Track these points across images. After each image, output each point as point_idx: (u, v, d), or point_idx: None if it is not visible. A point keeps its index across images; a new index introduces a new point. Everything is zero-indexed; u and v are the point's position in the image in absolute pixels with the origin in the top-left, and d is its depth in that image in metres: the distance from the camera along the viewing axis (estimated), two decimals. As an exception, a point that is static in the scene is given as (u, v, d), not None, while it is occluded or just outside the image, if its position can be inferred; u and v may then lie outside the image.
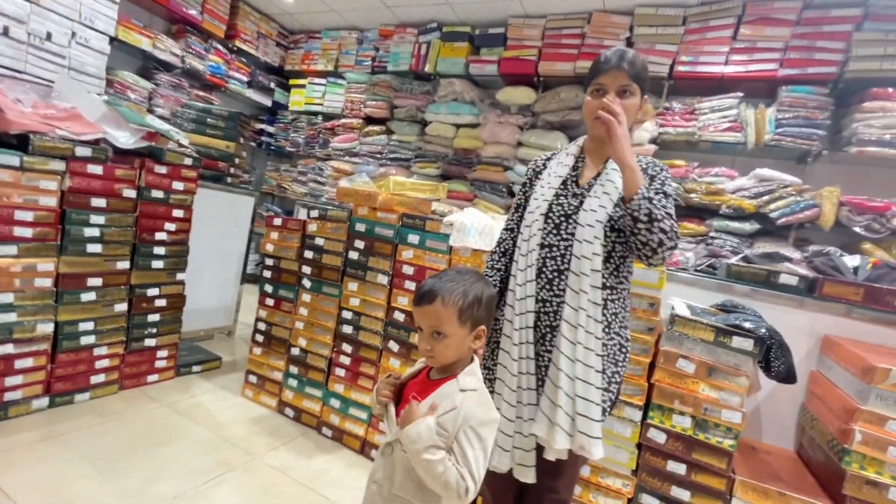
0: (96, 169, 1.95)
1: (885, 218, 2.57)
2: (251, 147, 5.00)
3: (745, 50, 2.97)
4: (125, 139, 2.05)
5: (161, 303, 2.34)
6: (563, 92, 3.56)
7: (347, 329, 2.18)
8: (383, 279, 2.09)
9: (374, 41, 4.46)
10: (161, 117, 3.18)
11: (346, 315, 2.18)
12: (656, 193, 1.13)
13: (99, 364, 2.12)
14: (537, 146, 3.58)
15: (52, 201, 1.83)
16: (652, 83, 3.21)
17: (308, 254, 2.29)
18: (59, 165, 1.83)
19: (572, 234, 1.15)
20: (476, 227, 1.85)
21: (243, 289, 3.42)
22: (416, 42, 4.14)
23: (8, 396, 1.84)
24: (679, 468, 1.51)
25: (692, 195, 3.02)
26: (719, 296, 1.91)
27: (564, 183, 1.22)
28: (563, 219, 1.17)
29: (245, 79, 4.63)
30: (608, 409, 1.16)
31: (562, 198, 1.20)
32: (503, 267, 1.31)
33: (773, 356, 1.44)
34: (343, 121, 4.54)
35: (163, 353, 2.40)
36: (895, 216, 2.54)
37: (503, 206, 3.64)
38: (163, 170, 2.21)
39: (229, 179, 3.04)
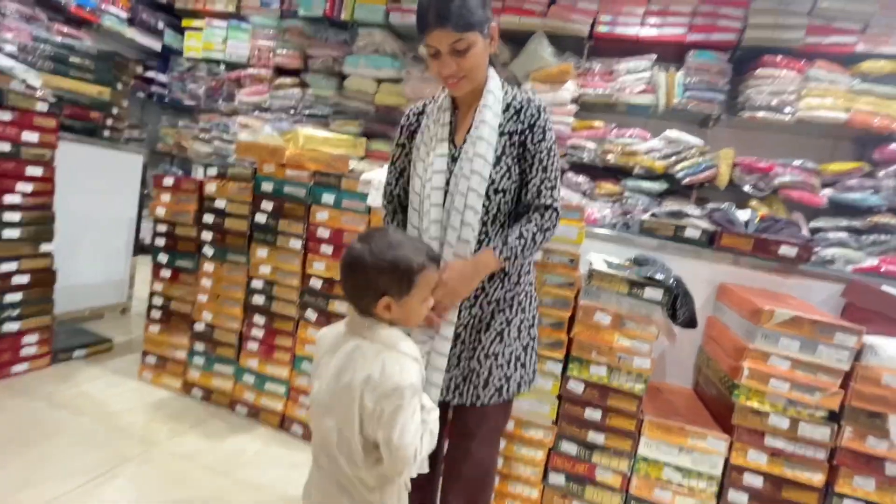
0: None
1: (768, 177, 2.85)
2: (140, 99, 4.34)
3: (659, 13, 3.05)
4: (-55, 75, 1.61)
5: (22, 280, 1.96)
6: (488, 48, 3.45)
7: (259, 299, 1.99)
8: (296, 244, 1.91)
9: (282, -20, 3.97)
10: (9, 55, 2.59)
11: (257, 284, 1.99)
12: (525, 229, 1.08)
13: (-59, 356, 1.75)
14: (462, 104, 3.46)
15: None
16: (573, 42, 3.26)
17: (208, 218, 2.02)
18: None
19: (452, 202, 1.08)
20: (396, 184, 1.72)
21: (138, 260, 3.02)
22: (331, -16, 3.74)
23: None
24: (595, 414, 1.58)
25: (609, 156, 3.12)
26: (633, 251, 1.99)
27: (453, 144, 1.12)
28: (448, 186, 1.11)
29: (124, 15, 3.93)
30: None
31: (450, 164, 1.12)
32: (400, 222, 1.25)
33: (678, 304, 1.53)
34: (250, 71, 4.06)
35: (31, 339, 2.04)
36: (777, 176, 2.82)
37: (428, 167, 3.53)
38: (6, 116, 1.79)
39: (108, 133, 2.59)
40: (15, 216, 1.89)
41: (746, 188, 2.89)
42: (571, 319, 1.61)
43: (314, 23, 3.88)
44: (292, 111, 3.92)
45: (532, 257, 1.19)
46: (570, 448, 1.61)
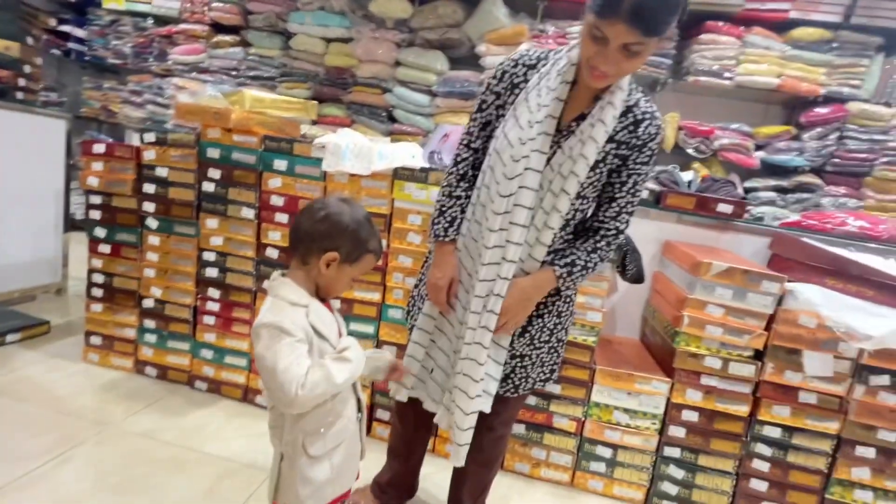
0: None
1: (709, 140, 3.02)
2: (55, 57, 3.88)
3: (611, -26, 3.05)
4: None
5: (-64, 260, 1.77)
6: (441, 7, 3.33)
7: (212, 272, 1.91)
8: (249, 213, 1.83)
9: (213, -77, 3.60)
10: None
11: (209, 257, 1.90)
12: (593, 250, 1.05)
13: None
14: (416, 66, 3.38)
15: None
16: (527, 3, 3.21)
17: (149, 188, 1.89)
18: None
19: (540, 200, 1.01)
20: (352, 149, 1.68)
21: (70, 237, 2.79)
22: (269, -70, 3.45)
23: None
24: (552, 367, 1.68)
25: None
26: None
27: (556, 125, 0.98)
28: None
29: (27, -42, 3.43)
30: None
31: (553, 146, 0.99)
32: (464, 194, 1.12)
33: (627, 261, 1.63)
34: (183, 27, 3.71)
35: (-46, 324, 1.87)
36: (716, 139, 2.99)
37: (383, 131, 3.44)
38: None
39: (20, 95, 2.32)
40: (-82, 189, 1.68)
41: (690, 150, 3.05)
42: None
43: (253, -26, 3.58)
44: (234, 72, 3.67)
45: None
46: (529, 400, 1.71)
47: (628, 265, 1.63)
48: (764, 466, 1.59)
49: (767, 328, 1.55)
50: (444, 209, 1.13)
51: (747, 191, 2.91)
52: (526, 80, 1.02)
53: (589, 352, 1.66)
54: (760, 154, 2.97)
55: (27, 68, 2.30)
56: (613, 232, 1.05)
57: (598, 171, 0.99)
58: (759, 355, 1.57)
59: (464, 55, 3.41)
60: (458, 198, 1.13)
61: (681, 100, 3.20)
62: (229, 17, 3.61)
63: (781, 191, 2.90)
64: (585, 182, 0.99)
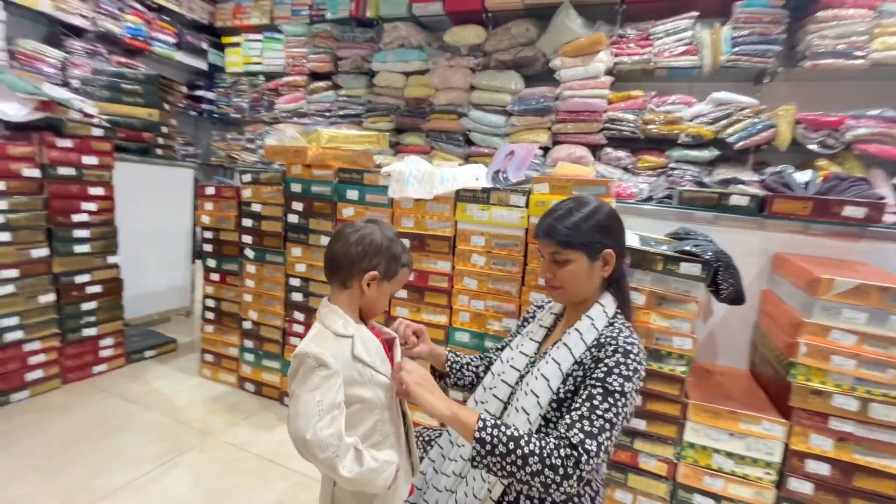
0: (-17, 148, 1.73)
1: (838, 132, 2.53)
2: (192, 117, 4.66)
3: (698, -36, 2.79)
4: (15, 112, 1.82)
5: (95, 289, 2.18)
6: (514, 27, 3.34)
7: (297, 297, 2.08)
8: (326, 241, 1.97)
9: (309, -14, 4.08)
10: (69, 88, 2.86)
11: (294, 282, 2.07)
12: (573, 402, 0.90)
13: (33, 360, 1.99)
14: (491, 88, 3.40)
15: (-65, 188, 1.63)
16: (604, 10, 3.07)
17: (246, 222, 2.14)
18: (-64, 146, 1.62)
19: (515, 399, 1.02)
20: (415, 174, 1.72)
21: (197, 266, 3.27)
22: (353, -16, 3.80)
23: (-70, 403, 1.71)
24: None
25: (650, 126, 2.93)
26: (676, 225, 1.86)
27: (540, 346, 1.09)
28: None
29: (172, 40, 4.22)
30: None
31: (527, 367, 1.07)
32: (474, 370, 1.23)
33: (720, 279, 1.41)
34: (286, 79, 4.22)
35: (107, 342, 2.27)
36: (848, 129, 2.50)
37: (461, 155, 3.50)
38: (67, 143, 1.99)
39: (159, 151, 2.80)
40: (84, 233, 2.10)
41: (813, 146, 2.58)
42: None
43: (341, 24, 3.96)
44: (327, 113, 4.04)
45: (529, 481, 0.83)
46: (609, 435, 1.53)
47: (721, 284, 1.41)
48: (935, 544, 1.22)
49: (925, 361, 1.21)
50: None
51: (897, 188, 2.37)
52: (534, 317, 1.20)
53: (678, 384, 1.45)
54: (913, 143, 2.41)
55: (165, 129, 2.78)
56: (564, 443, 0.83)
57: (559, 393, 0.96)
58: (914, 396, 1.23)
59: (538, 71, 3.35)
60: (470, 364, 1.23)
61: (796, 89, 2.76)
62: (322, 65, 4.01)
63: (949, 186, 2.31)
64: (543, 402, 0.96)
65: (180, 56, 4.31)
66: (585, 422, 0.85)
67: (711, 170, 2.74)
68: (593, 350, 0.95)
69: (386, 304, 1.02)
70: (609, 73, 3.06)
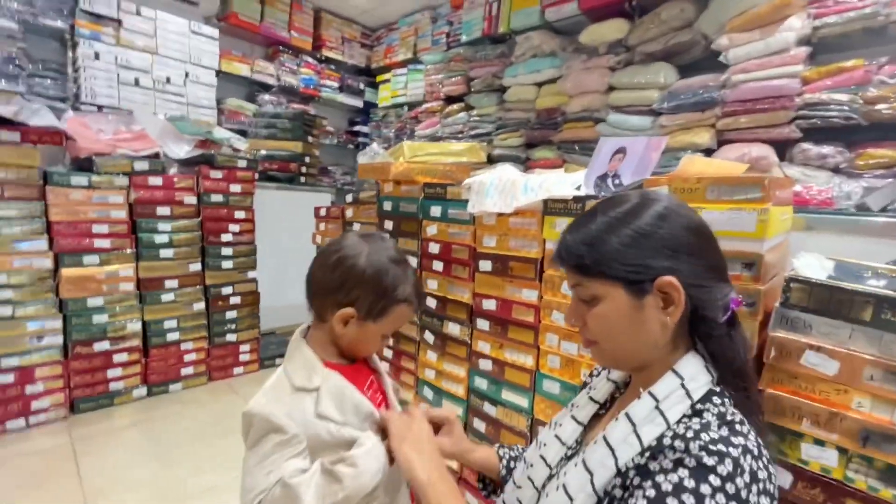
0: (156, 180, 2.13)
1: None
2: (350, 150, 5.24)
3: None
4: (179, 150, 2.20)
5: (236, 300, 2.49)
6: (665, 10, 2.77)
7: (388, 320, 1.98)
8: (413, 261, 1.83)
9: (447, 15, 4.21)
10: (243, 131, 3.42)
11: (386, 304, 1.98)
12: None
13: (187, 358, 2.34)
14: (633, 86, 2.89)
15: (121, 213, 2.06)
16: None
17: (349, 242, 2.17)
18: (123, 181, 2.04)
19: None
20: (496, 185, 1.45)
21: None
22: (487, 3, 3.75)
23: (112, 387, 2.13)
24: (820, 533, 0.90)
25: (879, 107, 2.03)
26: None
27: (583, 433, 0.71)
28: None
29: (335, 84, 4.83)
30: None
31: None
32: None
33: None
34: (424, 106, 4.39)
35: (245, 348, 2.56)
36: None
37: (596, 167, 3.03)
38: (218, 174, 2.34)
39: (303, 179, 3.14)
40: (228, 251, 2.43)
41: None
42: (756, 365, 0.98)
43: (475, 45, 3.93)
44: (460, 135, 4.03)
45: None
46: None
47: None
48: None
49: None
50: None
51: None
52: (593, 377, 0.82)
53: (915, 528, 0.81)
54: None
55: (307, 159, 3.11)
56: None
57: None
58: None
59: (696, 58, 2.71)
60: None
61: None
62: (456, 87, 4.04)
63: None
64: None
65: (342, 97, 4.91)
66: None
67: None
68: (647, 455, 0.54)
69: (377, 346, 0.78)
70: (804, 42, 2.25)
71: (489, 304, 1.55)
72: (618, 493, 0.54)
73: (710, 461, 0.48)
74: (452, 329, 1.69)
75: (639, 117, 2.84)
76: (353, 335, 0.74)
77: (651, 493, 0.49)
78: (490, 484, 0.88)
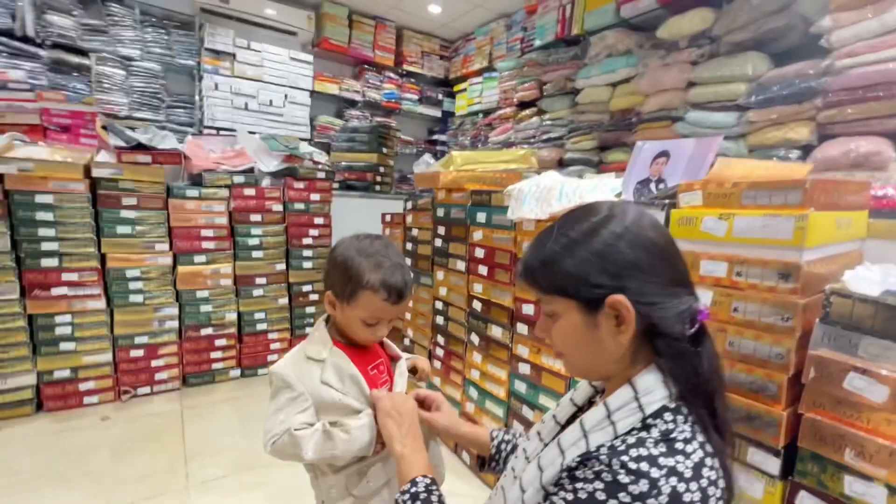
0: (250, 191, 2.48)
1: None
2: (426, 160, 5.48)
3: None
4: (269, 164, 2.54)
5: (314, 297, 2.77)
6: (756, -6, 2.52)
7: (440, 320, 2.08)
8: (461, 265, 1.90)
9: (521, 21, 4.23)
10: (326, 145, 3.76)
11: (438, 305, 2.09)
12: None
13: (273, 346, 2.67)
14: (717, 80, 2.67)
15: (223, 220, 2.43)
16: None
17: (409, 246, 2.31)
18: (225, 192, 2.41)
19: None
20: (533, 192, 1.47)
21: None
22: (560, 5, 3.70)
23: (214, 367, 2.51)
24: (868, 584, 0.79)
25: None
26: None
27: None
28: None
29: (415, 97, 5.10)
30: None
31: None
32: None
33: None
34: (498, 113, 4.45)
35: (321, 340, 2.84)
36: None
37: (673, 169, 2.83)
38: (301, 185, 2.63)
39: (378, 188, 3.38)
40: (309, 252, 2.72)
41: None
42: (794, 385, 0.89)
43: (549, 49, 3.90)
44: (532, 140, 4.01)
45: None
46: None
47: None
48: None
49: None
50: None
51: None
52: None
53: None
54: None
55: (381, 169, 3.35)
56: None
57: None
58: None
59: (791, 45, 2.43)
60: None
61: None
62: (529, 93, 4.03)
63: None
64: None
65: (421, 108, 5.16)
66: None
67: None
68: (579, 461, 0.55)
69: (363, 334, 0.87)
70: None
71: (528, 309, 1.57)
72: (552, 489, 0.57)
73: (625, 479, 0.49)
74: (495, 332, 1.73)
75: (722, 114, 2.61)
76: (339, 318, 0.87)
77: (569, 496, 0.52)
78: (483, 461, 0.94)
